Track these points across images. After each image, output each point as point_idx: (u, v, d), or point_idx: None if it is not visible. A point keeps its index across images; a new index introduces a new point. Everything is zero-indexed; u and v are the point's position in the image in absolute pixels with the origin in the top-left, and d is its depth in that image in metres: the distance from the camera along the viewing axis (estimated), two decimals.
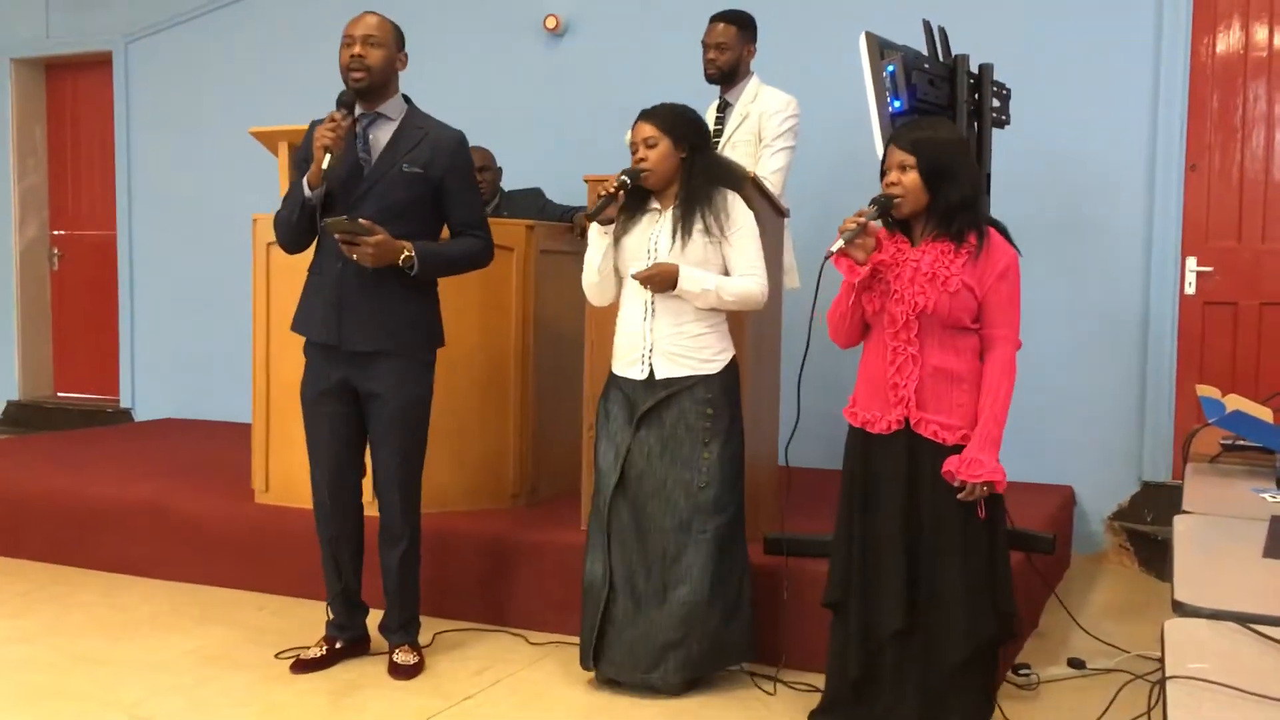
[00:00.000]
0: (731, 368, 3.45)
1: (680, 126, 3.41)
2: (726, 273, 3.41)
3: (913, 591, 2.96)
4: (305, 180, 3.42)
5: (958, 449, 2.90)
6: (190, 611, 4.21)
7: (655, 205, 3.46)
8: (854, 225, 2.88)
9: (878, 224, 2.98)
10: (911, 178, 2.90)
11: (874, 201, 2.93)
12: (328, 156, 3.33)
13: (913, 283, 2.91)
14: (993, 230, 2.96)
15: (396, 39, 3.55)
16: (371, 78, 3.46)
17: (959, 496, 2.88)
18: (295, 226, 3.53)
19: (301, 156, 3.58)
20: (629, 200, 3.45)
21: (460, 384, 4.31)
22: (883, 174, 2.99)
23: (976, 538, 2.93)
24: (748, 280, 3.40)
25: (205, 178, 7.10)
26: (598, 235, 3.46)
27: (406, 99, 3.60)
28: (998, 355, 2.93)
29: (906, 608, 2.96)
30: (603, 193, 3.37)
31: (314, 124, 3.54)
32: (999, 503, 2.99)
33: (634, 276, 3.36)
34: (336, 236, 3.35)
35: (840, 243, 2.89)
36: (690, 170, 3.41)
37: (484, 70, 6.32)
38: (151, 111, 7.33)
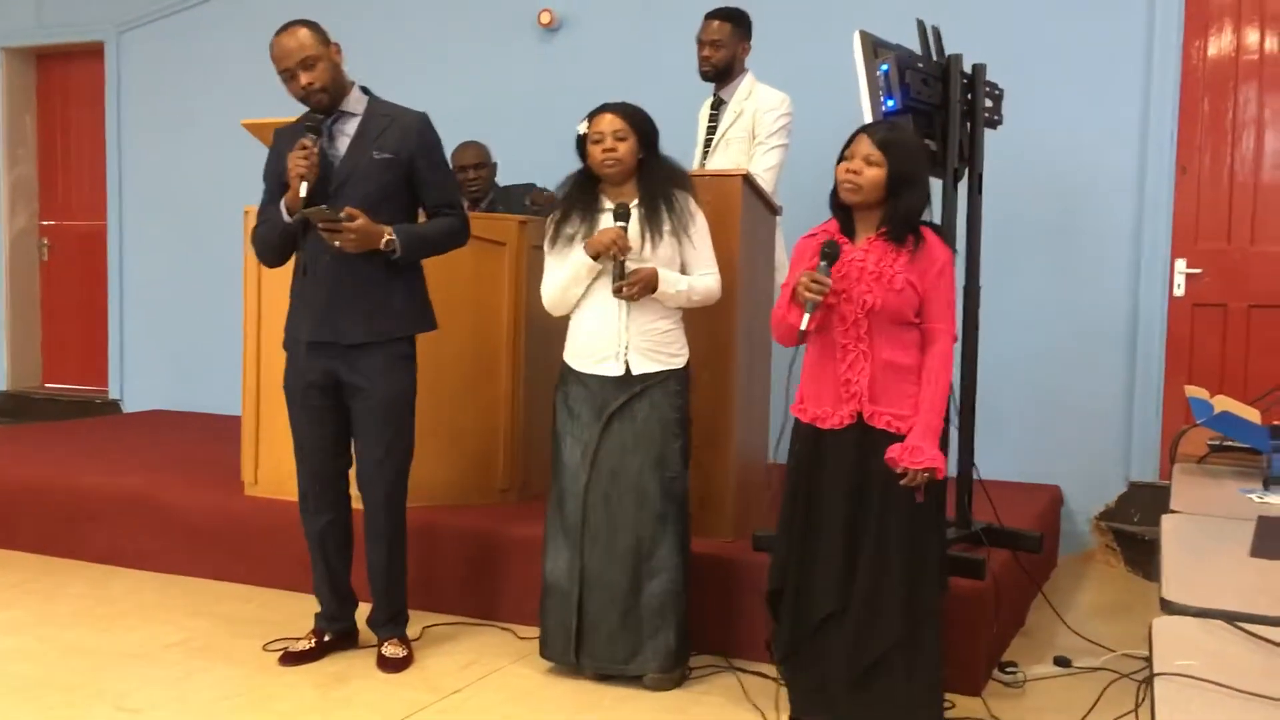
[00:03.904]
0: (688, 363, 3.53)
1: (644, 125, 3.46)
2: (683, 268, 3.46)
3: (849, 575, 3.02)
4: (284, 205, 3.45)
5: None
6: (179, 603, 4.21)
7: (609, 205, 3.45)
8: (817, 297, 2.93)
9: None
10: (875, 173, 2.97)
11: (824, 256, 2.97)
12: (304, 185, 3.36)
13: (860, 281, 2.97)
14: (928, 229, 3.05)
15: (323, 39, 3.47)
16: (330, 93, 3.46)
17: (902, 483, 2.94)
18: (277, 247, 3.57)
19: (271, 169, 3.59)
20: (581, 200, 3.47)
21: (450, 379, 4.31)
22: (841, 157, 3.03)
23: (923, 520, 3.01)
24: (709, 278, 3.50)
25: (196, 169, 7.09)
26: (588, 268, 3.41)
27: (365, 90, 3.59)
28: (938, 348, 3.01)
29: (841, 591, 3.02)
30: (615, 257, 3.33)
31: (276, 133, 3.57)
32: (939, 488, 3.06)
33: (620, 294, 3.35)
34: (319, 226, 3.36)
35: (806, 318, 2.95)
36: (649, 171, 3.45)
37: (478, 66, 6.32)
38: (143, 102, 7.32)
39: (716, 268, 3.53)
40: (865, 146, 2.99)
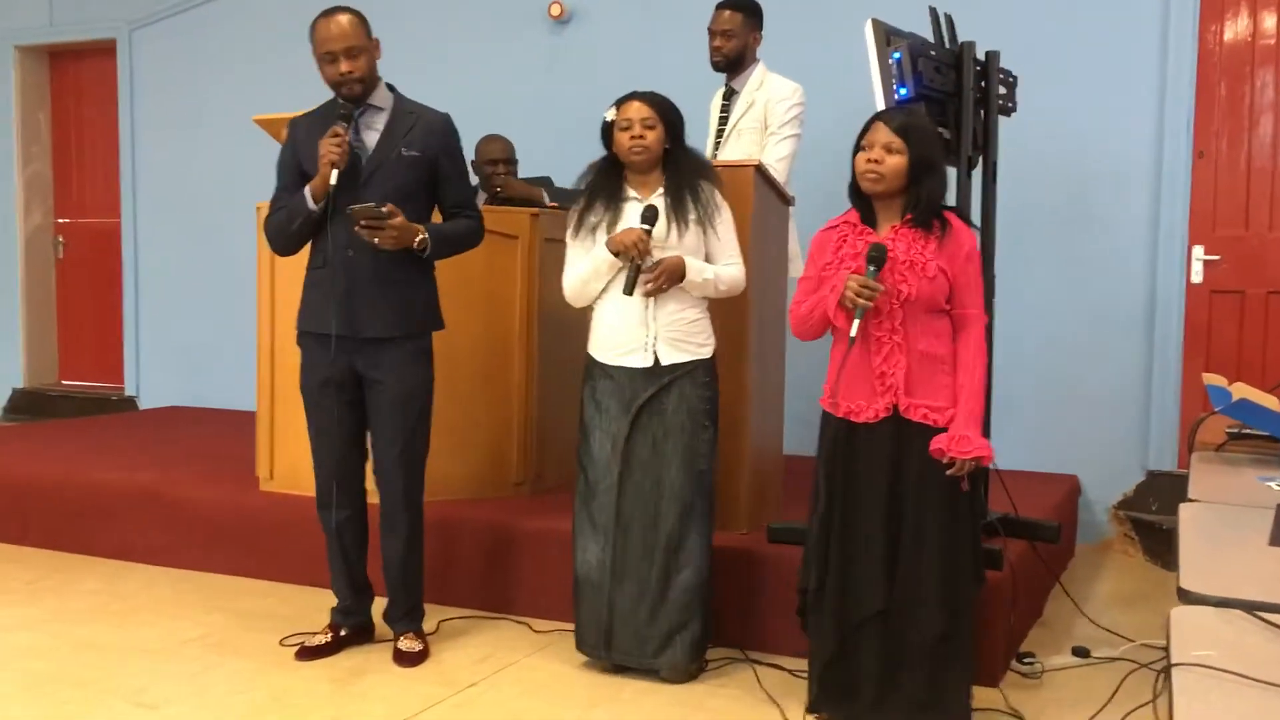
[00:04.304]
0: (714, 353, 3.51)
1: (671, 115, 3.44)
2: (707, 258, 3.44)
3: (891, 571, 2.98)
4: (309, 192, 3.45)
5: (944, 429, 2.93)
6: (194, 599, 4.22)
7: (634, 195, 3.44)
8: (868, 304, 2.87)
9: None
10: (897, 161, 2.93)
11: (871, 260, 2.90)
12: (335, 172, 3.36)
13: (893, 272, 2.92)
14: (950, 213, 3.01)
15: (368, 31, 3.51)
16: (365, 85, 3.49)
17: (949, 473, 2.90)
18: (295, 234, 3.57)
19: (287, 160, 3.59)
20: (605, 188, 3.44)
21: (464, 372, 4.31)
22: (858, 147, 2.98)
23: (960, 512, 2.97)
24: (733, 268, 3.48)
25: (209, 165, 7.10)
26: (609, 264, 3.38)
27: (390, 87, 3.61)
28: (972, 334, 2.98)
29: (886, 589, 2.98)
30: (634, 260, 3.29)
31: (293, 123, 3.59)
32: (980, 476, 3.05)
33: (631, 294, 3.32)
34: (363, 222, 3.36)
35: (856, 324, 2.89)
36: (675, 161, 3.44)
37: (490, 59, 6.31)
38: (155, 99, 7.33)
39: (741, 258, 3.51)
40: (884, 134, 2.94)
